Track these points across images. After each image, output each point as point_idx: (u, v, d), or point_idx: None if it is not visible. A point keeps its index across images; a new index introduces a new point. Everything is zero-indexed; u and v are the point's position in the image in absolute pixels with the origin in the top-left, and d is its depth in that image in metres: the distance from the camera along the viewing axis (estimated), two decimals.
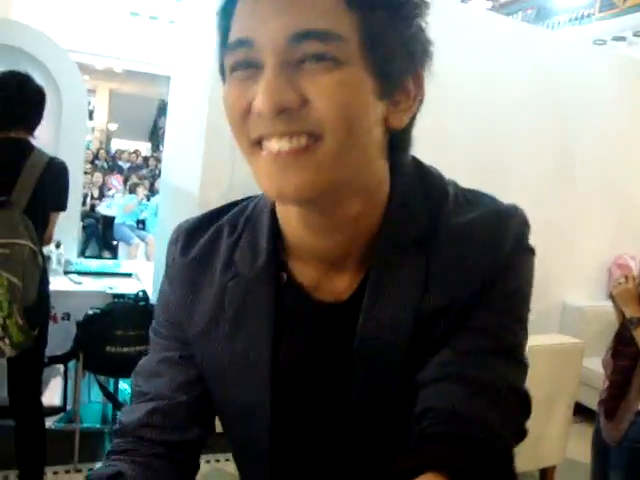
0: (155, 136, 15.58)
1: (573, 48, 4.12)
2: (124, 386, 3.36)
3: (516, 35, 3.75)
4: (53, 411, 2.72)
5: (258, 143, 0.55)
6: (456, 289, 0.61)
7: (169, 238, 0.72)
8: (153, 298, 3.64)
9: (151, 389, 0.66)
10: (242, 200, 0.72)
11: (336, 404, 0.64)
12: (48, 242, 2.40)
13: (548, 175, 3.96)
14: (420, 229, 0.62)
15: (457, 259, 0.62)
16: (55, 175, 2.25)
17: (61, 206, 2.33)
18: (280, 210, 0.64)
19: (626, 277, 2.01)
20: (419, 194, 0.64)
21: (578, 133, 4.02)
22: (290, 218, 0.62)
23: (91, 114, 15.23)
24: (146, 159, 13.31)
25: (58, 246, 3.62)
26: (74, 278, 3.48)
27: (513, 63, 3.65)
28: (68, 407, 2.74)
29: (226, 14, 0.57)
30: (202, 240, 0.68)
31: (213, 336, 0.65)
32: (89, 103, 13.73)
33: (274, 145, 0.53)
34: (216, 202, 3.05)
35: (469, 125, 3.48)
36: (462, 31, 3.40)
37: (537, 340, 3.05)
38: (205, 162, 3.00)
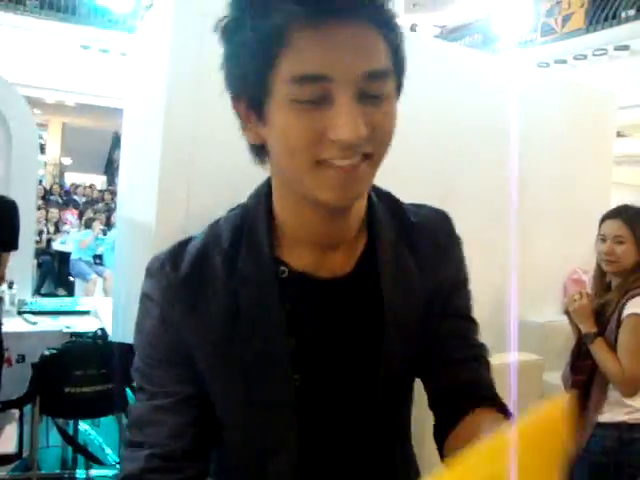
0: (110, 169, 15.39)
1: (518, 71, 4.27)
2: (84, 427, 3.25)
3: (464, 60, 3.87)
4: (8, 459, 2.60)
5: (323, 161, 0.62)
6: (437, 275, 0.77)
7: (149, 273, 0.73)
8: (113, 335, 3.55)
9: (146, 438, 0.67)
10: (192, 237, 0.76)
11: (359, 375, 0.72)
12: None
13: (500, 196, 4.06)
14: (395, 222, 0.76)
15: (431, 250, 0.78)
16: (3, 214, 2.20)
17: (11, 245, 2.27)
18: (292, 210, 0.70)
19: (580, 293, 2.06)
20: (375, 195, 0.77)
21: (527, 154, 4.15)
22: (304, 214, 0.69)
23: (43, 148, 14.95)
24: (102, 193, 13.11)
25: (11, 286, 3.51)
26: (29, 318, 3.38)
27: (461, 88, 3.76)
28: (24, 454, 2.63)
29: (274, 41, 0.59)
30: (187, 260, 0.71)
31: (231, 340, 0.68)
32: (41, 137, 13.49)
33: (339, 163, 0.61)
34: (173, 234, 3.00)
35: (420, 149, 3.55)
36: (412, 58, 3.48)
37: (498, 359, 3.09)
38: (160, 194, 2.97)
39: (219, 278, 0.69)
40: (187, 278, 0.70)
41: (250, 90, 0.63)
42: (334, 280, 0.72)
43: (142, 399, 0.70)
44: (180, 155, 3.04)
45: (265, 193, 0.73)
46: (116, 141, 13.41)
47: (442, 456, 0.76)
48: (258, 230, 0.71)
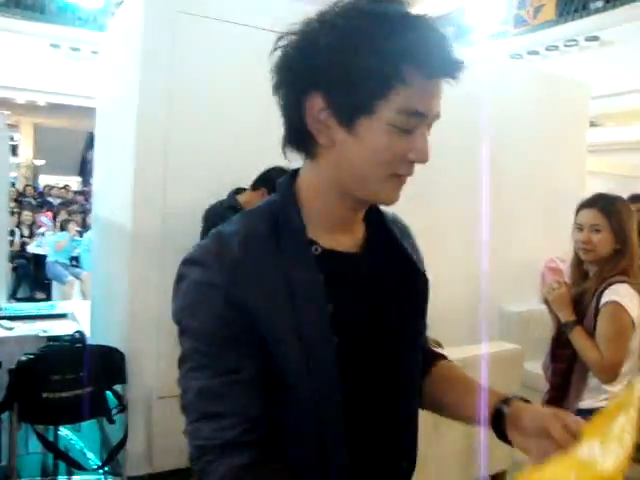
0: (85, 170, 15.19)
1: (493, 63, 4.30)
2: (65, 432, 3.20)
3: None
4: None
5: (394, 173, 0.80)
6: (418, 258, 0.98)
7: (200, 263, 0.79)
8: (92, 337, 3.50)
9: (224, 408, 0.75)
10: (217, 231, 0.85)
11: (390, 333, 0.88)
12: None
13: (477, 187, 4.08)
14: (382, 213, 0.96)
15: (410, 237, 1.00)
16: None
17: None
18: (329, 201, 0.85)
19: (559, 282, 2.08)
20: None
21: (503, 145, 4.18)
22: (339, 205, 0.85)
23: (15, 150, 14.69)
24: (78, 193, 12.93)
25: None
26: (4, 324, 3.32)
27: None
28: (3, 462, 2.59)
29: (395, 76, 0.74)
30: (235, 246, 0.80)
31: (287, 310, 0.79)
32: (12, 138, 13.24)
33: (403, 175, 0.81)
34: (150, 233, 2.98)
35: None
36: None
37: (477, 349, 3.12)
38: (136, 194, 2.93)
39: (268, 259, 0.80)
40: (243, 260, 0.79)
41: (350, 102, 0.76)
42: (356, 254, 0.88)
43: (206, 376, 0.76)
44: (155, 153, 3.00)
45: (290, 188, 0.86)
46: (90, 141, 13.23)
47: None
48: (293, 218, 0.84)
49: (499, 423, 0.86)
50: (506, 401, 0.87)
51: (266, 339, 0.78)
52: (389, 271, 0.90)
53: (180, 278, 0.81)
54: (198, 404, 0.76)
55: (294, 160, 0.88)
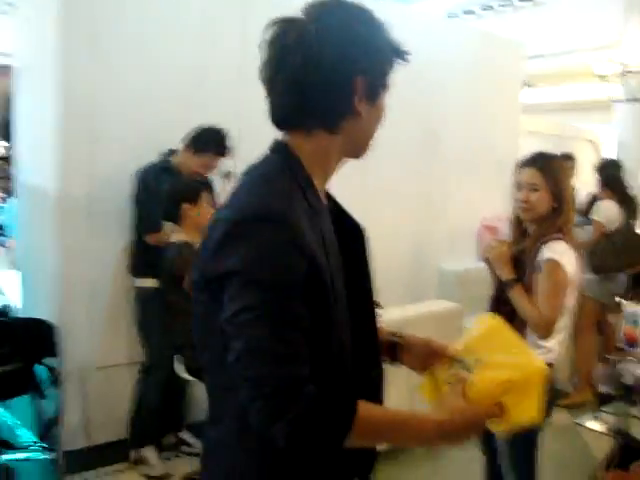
0: (9, 133, 14.35)
1: (429, 21, 4.26)
2: None
3: (375, 11, 3.80)
4: None
5: None
6: None
7: (267, 219, 0.87)
8: (23, 309, 3.33)
9: (294, 351, 0.86)
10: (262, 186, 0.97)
11: (359, 272, 1.07)
12: None
13: (416, 149, 4.09)
14: None
15: None
16: None
17: None
18: (330, 163, 1.03)
19: (499, 241, 2.09)
20: None
21: (441, 105, 4.18)
22: (333, 162, 1.03)
23: None
24: (2, 159, 12.21)
25: None
26: None
27: None
28: None
29: (394, 62, 1.03)
30: (285, 206, 0.90)
31: (324, 254, 0.93)
32: None
33: None
34: (78, 197, 2.80)
35: None
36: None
37: (417, 308, 3.16)
38: (62, 157, 2.77)
39: (308, 213, 0.94)
40: (297, 215, 0.90)
41: (379, 82, 1.00)
42: (328, 207, 1.05)
43: (275, 324, 0.85)
44: (80, 115, 2.82)
45: (291, 159, 0.99)
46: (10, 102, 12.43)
47: None
48: (307, 178, 0.99)
49: (393, 351, 1.21)
50: (396, 335, 1.23)
51: (324, 286, 0.91)
52: (344, 224, 1.08)
53: (240, 234, 0.87)
54: (270, 348, 0.85)
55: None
